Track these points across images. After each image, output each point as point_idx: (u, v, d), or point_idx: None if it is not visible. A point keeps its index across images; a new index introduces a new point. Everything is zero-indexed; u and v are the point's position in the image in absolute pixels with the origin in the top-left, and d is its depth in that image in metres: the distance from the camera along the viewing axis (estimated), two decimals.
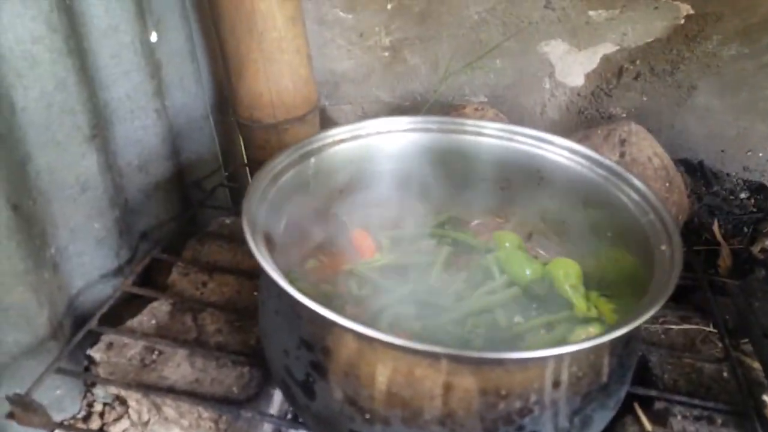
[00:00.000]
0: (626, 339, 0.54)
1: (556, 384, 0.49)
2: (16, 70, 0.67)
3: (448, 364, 0.47)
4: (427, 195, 0.85)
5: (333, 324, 0.51)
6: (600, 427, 0.57)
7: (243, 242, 0.94)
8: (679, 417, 0.67)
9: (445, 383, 0.48)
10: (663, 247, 0.57)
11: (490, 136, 0.78)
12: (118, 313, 0.86)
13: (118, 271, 0.89)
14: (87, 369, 0.77)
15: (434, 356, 0.47)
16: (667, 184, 0.85)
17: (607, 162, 0.69)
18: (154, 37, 0.90)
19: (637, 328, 0.56)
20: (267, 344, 0.63)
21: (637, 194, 0.65)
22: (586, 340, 0.46)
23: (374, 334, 0.47)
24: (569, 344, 0.45)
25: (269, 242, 0.62)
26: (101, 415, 0.85)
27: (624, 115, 1.11)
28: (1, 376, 0.73)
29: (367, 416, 0.52)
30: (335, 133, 0.78)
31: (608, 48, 1.07)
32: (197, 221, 1.07)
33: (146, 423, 0.76)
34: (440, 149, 0.81)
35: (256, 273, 0.87)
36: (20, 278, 0.70)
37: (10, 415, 0.63)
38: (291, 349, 0.56)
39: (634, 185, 0.65)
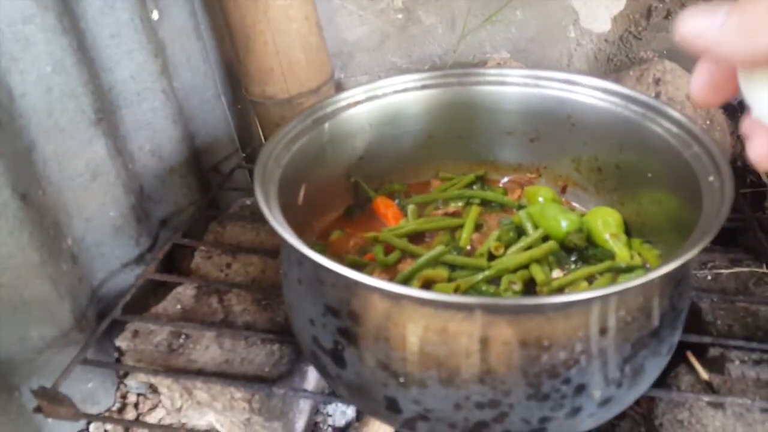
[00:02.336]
0: (678, 278, 0.49)
1: (602, 331, 0.44)
2: (10, 53, 0.65)
3: (483, 316, 0.43)
4: (451, 155, 0.82)
5: (357, 285, 0.48)
6: (653, 377, 0.52)
7: (265, 221, 0.92)
8: (736, 362, 0.63)
9: (481, 338, 0.44)
10: (711, 178, 0.52)
11: (515, 84, 0.73)
12: (144, 301, 0.85)
13: (140, 259, 0.87)
14: (118, 360, 0.75)
15: (467, 308, 0.43)
16: (708, 123, 0.80)
17: (643, 97, 0.64)
18: (155, 15, 0.87)
19: (688, 267, 0.52)
20: (293, 316, 0.60)
21: (677, 127, 0.60)
22: (634, 279, 0.41)
23: (401, 290, 0.44)
24: (613, 285, 0.41)
25: (289, 213, 0.58)
26: (135, 405, 0.84)
27: (656, 58, 1.05)
28: (29, 372, 0.72)
29: (402, 380, 0.48)
30: (349, 95, 0.74)
31: None
32: (218, 204, 1.04)
33: (179, 409, 0.74)
34: (463, 104, 0.76)
35: (279, 251, 0.85)
36: (37, 270, 0.68)
37: (38, 409, 0.62)
38: (317, 317, 0.53)
39: (674, 118, 0.60)
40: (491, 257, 0.67)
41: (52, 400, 0.61)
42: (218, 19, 1.05)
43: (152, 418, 0.82)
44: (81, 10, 0.73)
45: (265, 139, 1.14)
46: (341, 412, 0.82)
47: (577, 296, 0.41)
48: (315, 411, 0.81)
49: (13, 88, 0.66)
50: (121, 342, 0.74)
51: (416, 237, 0.72)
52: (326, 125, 0.72)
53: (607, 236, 0.66)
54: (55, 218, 0.73)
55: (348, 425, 0.81)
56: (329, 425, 0.81)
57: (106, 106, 0.78)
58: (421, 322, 0.46)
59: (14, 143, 0.66)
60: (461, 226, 0.72)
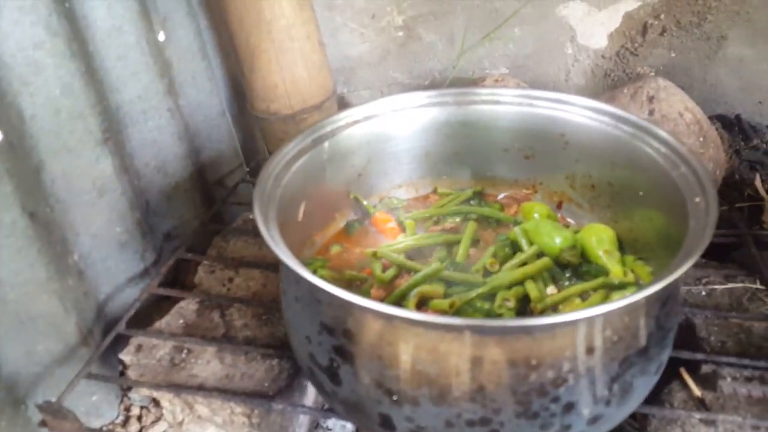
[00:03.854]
0: (664, 298, 0.50)
1: (589, 350, 0.45)
2: (20, 78, 0.67)
3: (471, 336, 0.44)
4: (449, 171, 0.83)
5: (351, 305, 0.49)
6: (643, 394, 0.53)
7: None
8: (728, 379, 0.63)
9: (471, 357, 0.45)
10: (697, 200, 0.53)
11: (509, 103, 0.75)
12: (149, 315, 0.86)
13: (145, 274, 0.88)
14: (122, 374, 0.77)
15: (456, 329, 0.44)
16: (701, 139, 0.81)
17: (633, 118, 0.65)
18: (161, 37, 0.89)
19: (675, 287, 0.53)
20: (291, 333, 0.62)
21: (666, 147, 0.61)
22: (616, 300, 0.42)
23: (392, 311, 0.45)
24: (597, 306, 0.42)
25: (290, 230, 0.60)
26: (139, 418, 0.85)
27: (652, 73, 1.06)
28: (35, 386, 0.74)
29: (395, 398, 0.50)
30: (348, 114, 0.76)
31: (630, 4, 1.02)
32: (223, 219, 1.06)
33: (181, 423, 0.76)
34: (459, 122, 0.78)
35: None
36: (44, 286, 0.70)
37: (42, 423, 0.63)
38: (313, 335, 0.55)
39: (663, 138, 0.62)
40: (487, 273, 0.68)
41: (56, 415, 0.62)
42: (224, 38, 1.08)
43: None
44: (90, 34, 0.75)
45: (270, 153, 1.16)
46: (341, 426, 0.83)
47: (562, 318, 0.42)
48: (315, 425, 0.82)
49: (23, 110, 0.68)
50: (125, 356, 0.75)
51: (414, 252, 0.73)
52: (326, 144, 0.73)
53: (600, 253, 0.67)
54: (63, 235, 0.75)
55: None
56: None
57: (113, 126, 0.80)
58: (413, 342, 0.47)
59: (24, 163, 0.68)
60: (458, 242, 0.74)
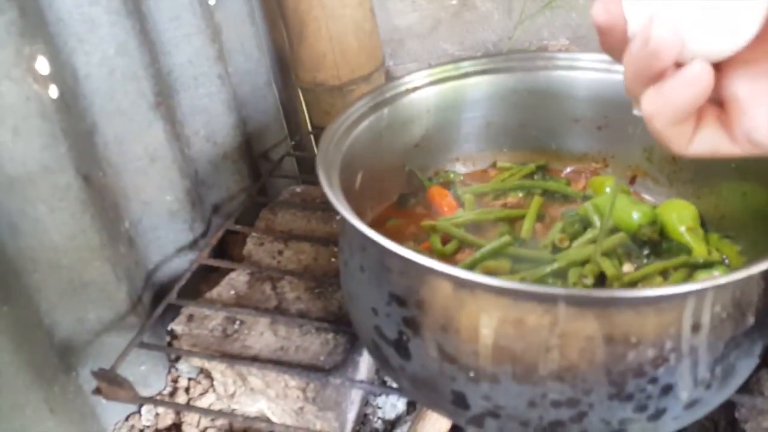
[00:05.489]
0: None
1: (695, 327, 0.41)
2: (76, 35, 0.64)
3: (567, 308, 0.40)
4: (511, 144, 0.79)
5: (428, 272, 0.46)
6: (742, 379, 0.49)
7: (316, 209, 0.91)
8: None
9: (563, 332, 0.41)
10: None
11: (586, 68, 0.70)
12: (196, 286, 0.84)
13: (194, 244, 0.86)
14: (170, 344, 0.75)
15: (550, 299, 0.41)
16: None
17: None
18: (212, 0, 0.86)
19: None
20: (352, 305, 0.59)
21: None
22: (739, 270, 0.38)
23: (477, 279, 0.42)
24: (714, 278, 0.38)
25: (347, 200, 0.57)
26: (186, 390, 0.83)
27: None
28: (86, 354, 0.72)
29: (472, 374, 0.46)
30: (410, 80, 0.72)
31: None
32: (267, 192, 1.03)
33: (232, 395, 0.74)
34: (527, 90, 0.74)
35: (331, 239, 0.83)
36: (97, 253, 0.68)
37: (97, 390, 0.62)
38: (380, 306, 0.51)
39: None
40: (555, 250, 0.64)
41: (111, 382, 0.61)
42: (272, 5, 1.04)
43: (203, 403, 0.82)
44: None
45: (313, 126, 1.13)
46: (391, 405, 0.80)
47: (674, 289, 0.38)
48: (365, 402, 0.80)
49: (78, 69, 0.65)
50: (176, 326, 0.73)
51: (472, 228, 0.70)
52: (385, 110, 0.70)
53: (682, 230, 0.63)
54: (114, 201, 0.73)
55: (398, 418, 0.79)
56: (379, 417, 0.79)
57: (165, 90, 0.78)
58: (497, 314, 0.43)
59: (78, 125, 0.66)
60: (521, 218, 0.70)
